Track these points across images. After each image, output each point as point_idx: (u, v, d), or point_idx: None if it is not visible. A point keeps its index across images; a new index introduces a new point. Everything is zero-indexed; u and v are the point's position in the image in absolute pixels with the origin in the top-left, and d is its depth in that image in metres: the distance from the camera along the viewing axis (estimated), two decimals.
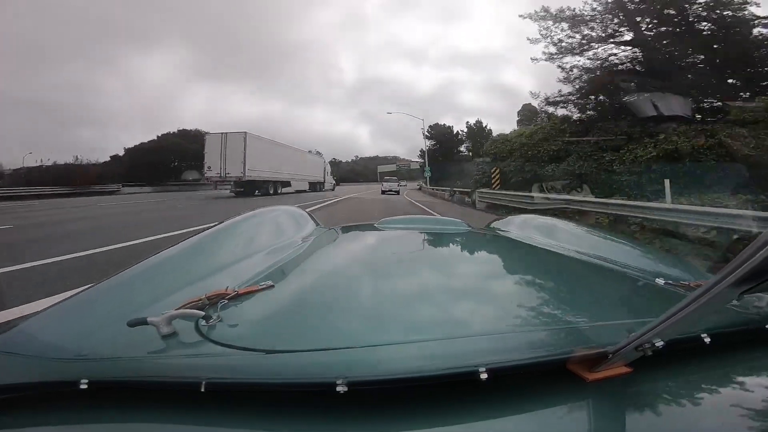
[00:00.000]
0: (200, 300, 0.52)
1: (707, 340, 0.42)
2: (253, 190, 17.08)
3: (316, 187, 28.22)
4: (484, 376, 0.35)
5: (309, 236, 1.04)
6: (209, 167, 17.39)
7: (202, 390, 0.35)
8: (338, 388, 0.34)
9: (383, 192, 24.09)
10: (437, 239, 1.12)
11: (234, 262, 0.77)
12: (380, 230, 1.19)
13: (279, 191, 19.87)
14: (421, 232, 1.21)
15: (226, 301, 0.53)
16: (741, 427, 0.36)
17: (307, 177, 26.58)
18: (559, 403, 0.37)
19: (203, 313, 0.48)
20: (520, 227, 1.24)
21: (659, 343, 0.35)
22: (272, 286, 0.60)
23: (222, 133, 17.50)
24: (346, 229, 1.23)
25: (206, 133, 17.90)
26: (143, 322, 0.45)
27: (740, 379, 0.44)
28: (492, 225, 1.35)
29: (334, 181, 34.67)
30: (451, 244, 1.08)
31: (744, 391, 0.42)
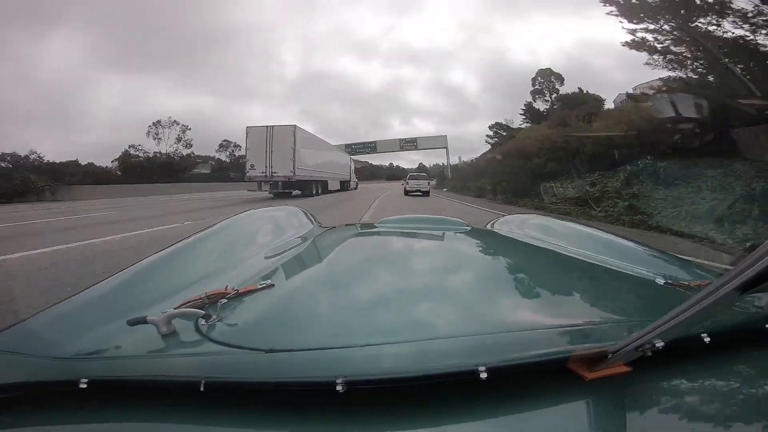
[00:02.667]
0: (200, 299, 0.53)
1: (707, 339, 0.43)
2: (291, 191, 15.83)
3: (344, 186, 26.95)
4: (484, 375, 0.36)
5: (309, 236, 1.07)
6: (252, 165, 15.48)
7: (202, 389, 0.36)
8: (338, 388, 0.34)
9: (408, 192, 19.85)
10: (437, 239, 1.14)
11: (234, 262, 0.79)
12: (380, 230, 1.22)
13: (319, 192, 18.52)
14: (421, 232, 1.22)
15: (226, 301, 0.54)
16: (741, 426, 0.37)
17: (339, 176, 25.32)
18: (558, 402, 0.37)
19: (203, 312, 0.49)
20: (519, 227, 1.28)
21: (659, 344, 0.36)
22: (272, 286, 0.61)
23: (267, 127, 15.59)
24: (346, 229, 1.26)
25: (247, 126, 15.55)
26: (143, 321, 0.46)
27: (740, 379, 0.45)
28: (492, 225, 1.40)
29: (356, 180, 33.87)
30: (450, 243, 1.09)
31: (744, 391, 0.43)
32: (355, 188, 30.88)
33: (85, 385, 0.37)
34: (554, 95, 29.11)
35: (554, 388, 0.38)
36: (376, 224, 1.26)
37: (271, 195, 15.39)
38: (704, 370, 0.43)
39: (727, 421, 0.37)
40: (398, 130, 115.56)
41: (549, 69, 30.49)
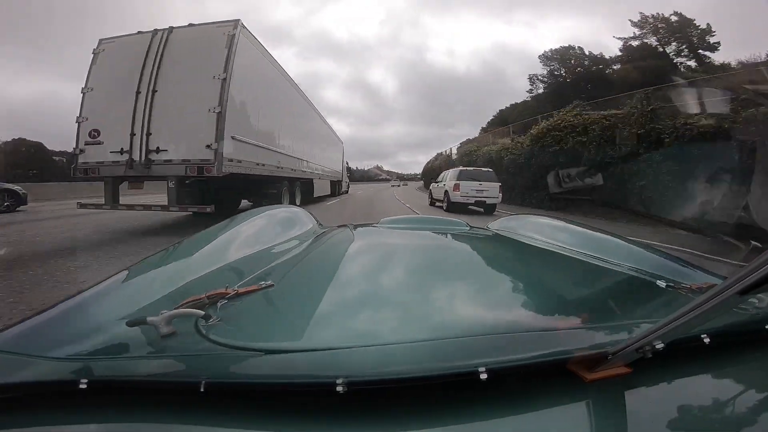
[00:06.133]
0: (200, 299, 0.53)
1: (707, 340, 0.43)
2: (207, 206, 5.51)
3: (335, 188, 16.96)
4: (483, 376, 0.36)
5: (309, 235, 1.09)
6: (94, 134, 5.15)
7: (202, 390, 0.36)
8: (338, 388, 0.35)
9: (447, 204, 10.46)
10: (437, 239, 1.16)
11: (234, 262, 0.79)
12: (381, 230, 1.23)
13: (296, 201, 8.99)
14: (422, 232, 1.24)
15: (226, 301, 0.55)
16: (741, 427, 0.37)
17: (330, 172, 15.03)
18: (558, 403, 0.38)
19: (203, 312, 0.49)
20: (520, 227, 1.27)
21: (659, 345, 0.37)
22: (272, 286, 0.61)
23: (153, 33, 5.37)
24: (347, 229, 1.22)
25: (101, 40, 5.53)
26: (143, 321, 0.46)
27: (740, 379, 0.45)
28: (492, 225, 1.39)
29: (348, 180, 23.64)
30: (451, 243, 1.10)
31: (744, 391, 0.43)
32: (347, 191, 21.31)
33: (84, 386, 0.37)
34: None
35: (554, 390, 0.38)
36: (376, 224, 1.28)
37: (176, 209, 6.24)
38: (704, 372, 0.44)
39: (728, 422, 0.38)
40: None
41: None
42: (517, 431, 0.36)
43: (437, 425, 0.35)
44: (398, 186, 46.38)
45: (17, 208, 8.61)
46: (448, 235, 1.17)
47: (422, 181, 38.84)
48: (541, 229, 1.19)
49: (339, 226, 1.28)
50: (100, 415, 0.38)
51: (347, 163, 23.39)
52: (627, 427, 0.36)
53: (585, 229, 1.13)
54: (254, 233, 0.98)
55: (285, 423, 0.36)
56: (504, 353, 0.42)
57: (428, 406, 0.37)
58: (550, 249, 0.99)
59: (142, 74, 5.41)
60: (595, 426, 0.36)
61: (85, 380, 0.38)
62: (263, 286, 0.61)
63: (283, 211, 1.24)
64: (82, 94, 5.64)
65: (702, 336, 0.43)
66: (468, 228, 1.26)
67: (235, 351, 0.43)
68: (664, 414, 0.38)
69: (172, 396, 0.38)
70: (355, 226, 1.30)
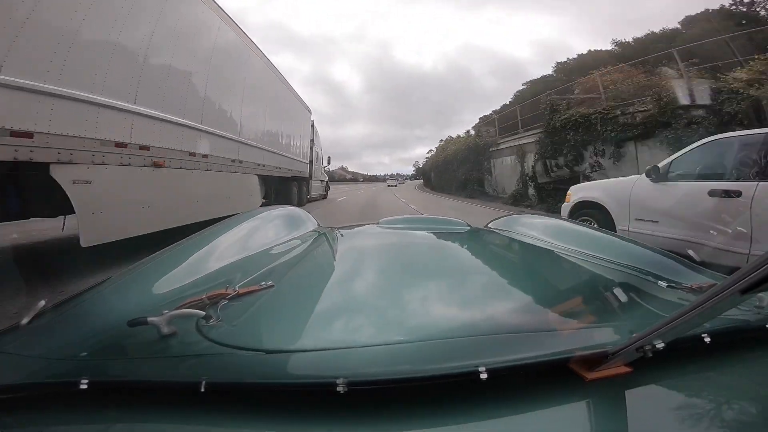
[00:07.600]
0: (200, 300, 0.54)
1: (707, 340, 0.43)
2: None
3: (294, 190, 10.70)
4: (484, 376, 0.37)
5: (309, 236, 1.10)
6: None
7: (202, 390, 0.37)
8: (338, 388, 0.35)
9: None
10: (437, 239, 1.16)
11: (234, 262, 0.79)
12: (380, 230, 1.23)
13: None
14: (422, 232, 1.25)
15: (227, 301, 0.55)
16: (740, 426, 0.38)
17: (290, 160, 9.83)
18: (559, 402, 0.38)
19: (203, 312, 0.50)
20: (520, 226, 1.28)
21: (660, 345, 0.38)
22: (272, 286, 0.62)
23: None
24: (347, 229, 1.26)
25: None
26: (143, 322, 0.46)
27: (740, 378, 0.45)
28: (492, 225, 1.41)
29: (326, 177, 17.54)
30: (451, 243, 1.12)
31: (744, 391, 0.43)
32: (325, 195, 16.17)
33: (85, 386, 0.38)
34: None
35: (555, 389, 0.39)
36: (376, 224, 1.27)
37: None
38: (704, 371, 0.44)
39: (728, 422, 0.38)
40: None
41: None
42: (517, 431, 0.36)
43: (437, 425, 0.35)
44: (395, 186, 45.76)
45: None
46: (448, 235, 1.18)
47: (421, 180, 36.91)
48: (541, 229, 1.19)
49: (339, 227, 1.29)
50: (100, 415, 0.38)
51: (329, 162, 16.51)
52: (627, 427, 0.36)
53: (585, 229, 1.14)
54: (254, 234, 0.99)
55: (285, 423, 0.36)
56: (504, 353, 0.42)
57: (429, 406, 0.37)
58: (550, 249, 0.99)
59: None
60: (595, 426, 0.36)
61: (86, 380, 0.38)
62: (263, 286, 0.61)
63: (283, 212, 1.26)
64: None
65: (702, 336, 0.43)
66: (468, 228, 1.27)
67: (236, 351, 0.43)
68: (664, 414, 0.38)
69: (172, 396, 0.39)
70: (356, 227, 1.32)
